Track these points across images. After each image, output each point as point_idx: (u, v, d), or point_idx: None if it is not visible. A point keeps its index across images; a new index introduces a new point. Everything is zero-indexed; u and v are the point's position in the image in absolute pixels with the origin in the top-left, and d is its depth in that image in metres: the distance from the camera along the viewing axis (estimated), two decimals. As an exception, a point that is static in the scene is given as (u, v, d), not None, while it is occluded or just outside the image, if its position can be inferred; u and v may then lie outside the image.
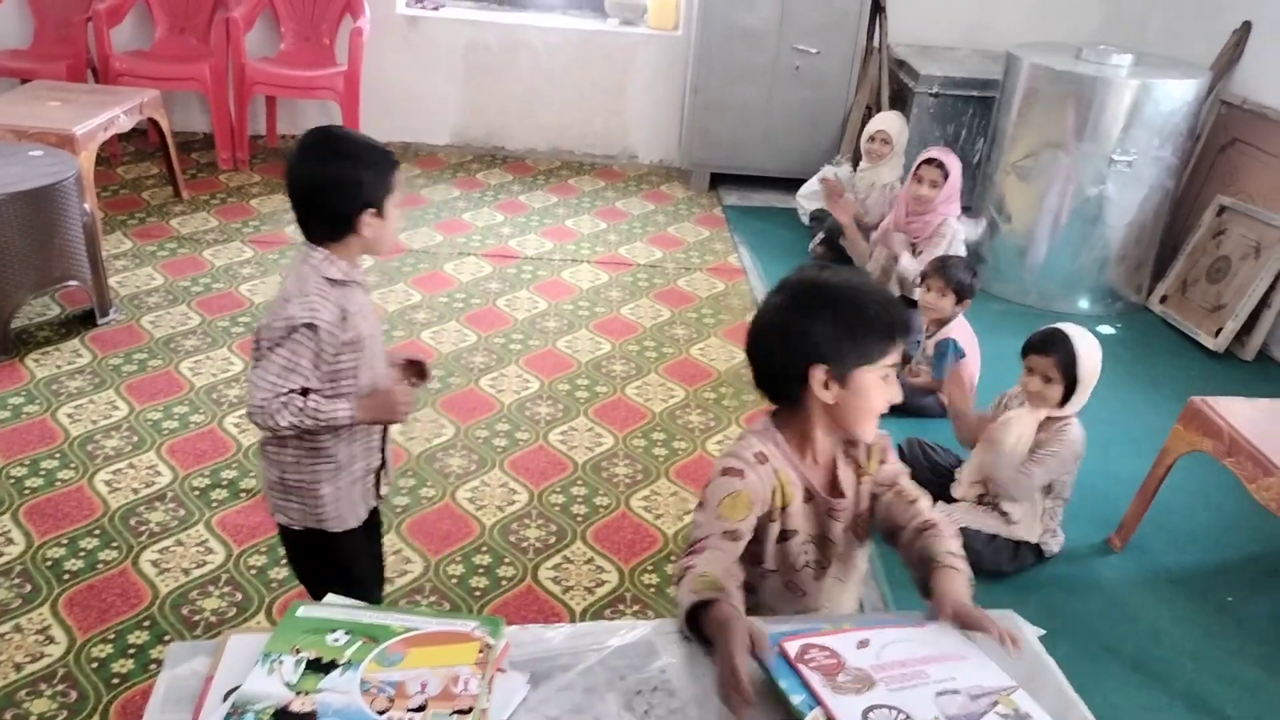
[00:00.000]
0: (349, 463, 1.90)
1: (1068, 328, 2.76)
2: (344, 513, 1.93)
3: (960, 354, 3.51)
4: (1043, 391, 2.73)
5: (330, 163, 1.76)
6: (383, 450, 1.99)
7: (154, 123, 4.65)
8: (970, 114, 5.20)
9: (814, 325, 1.50)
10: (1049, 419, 2.78)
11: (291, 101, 5.64)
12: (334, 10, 5.44)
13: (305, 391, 1.76)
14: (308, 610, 1.25)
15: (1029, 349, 2.77)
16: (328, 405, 1.76)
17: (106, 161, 5.15)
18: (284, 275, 1.88)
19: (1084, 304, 4.61)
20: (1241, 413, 2.76)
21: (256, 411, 1.75)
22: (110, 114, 4.21)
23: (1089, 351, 2.72)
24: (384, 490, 2.04)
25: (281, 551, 2.61)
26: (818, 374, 1.51)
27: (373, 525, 2.07)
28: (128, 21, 5.33)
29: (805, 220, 5.14)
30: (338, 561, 1.98)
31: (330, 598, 1.28)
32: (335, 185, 1.75)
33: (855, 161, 5.23)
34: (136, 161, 5.29)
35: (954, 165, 3.91)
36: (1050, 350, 2.72)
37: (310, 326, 1.73)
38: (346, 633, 1.23)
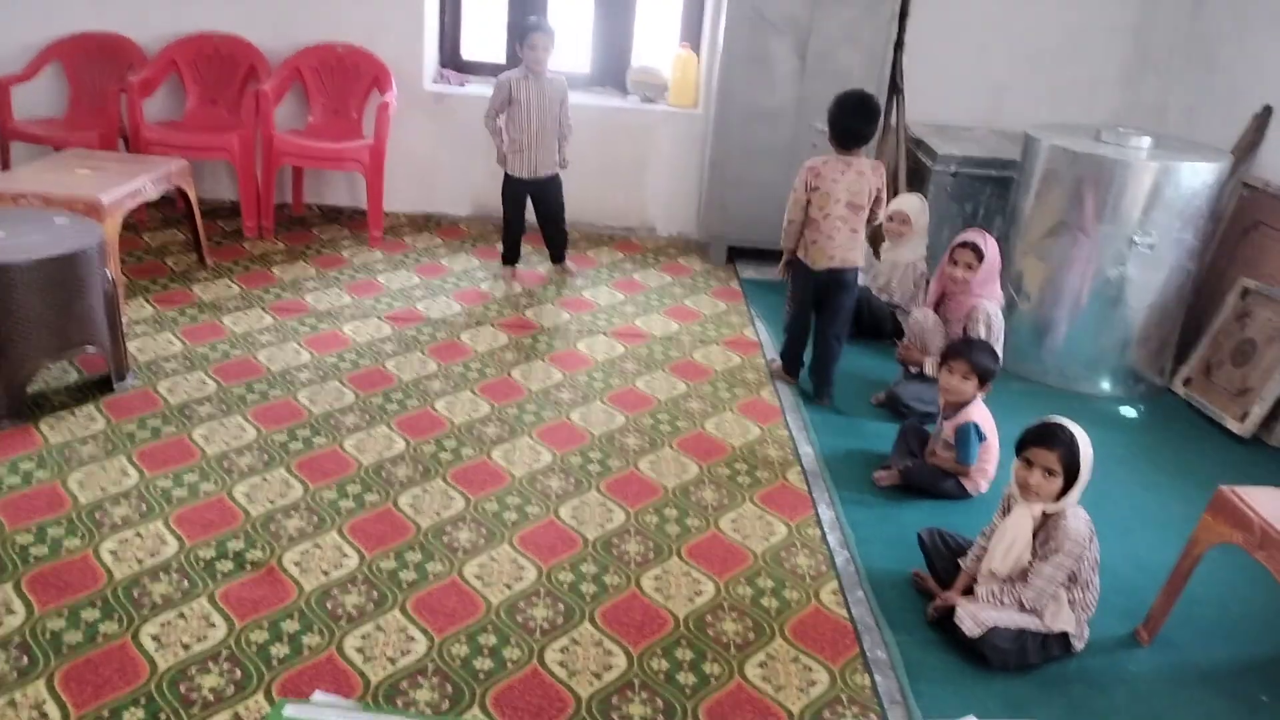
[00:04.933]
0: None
1: (1064, 420, 2.73)
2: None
3: (982, 437, 3.47)
4: (1043, 485, 2.67)
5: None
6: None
7: (181, 191, 4.71)
8: (988, 193, 5.21)
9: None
10: (1045, 514, 2.73)
11: (318, 172, 5.72)
12: (362, 85, 5.54)
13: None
14: (294, 710, 1.20)
15: (1028, 442, 2.72)
16: None
17: (133, 228, 5.23)
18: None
19: (1105, 385, 4.55)
20: (1273, 504, 2.68)
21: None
22: (138, 183, 4.27)
23: (1087, 447, 2.69)
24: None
25: (283, 627, 2.59)
26: None
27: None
28: (160, 92, 5.45)
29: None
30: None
31: (318, 696, 1.23)
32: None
33: (873, 240, 5.24)
34: (163, 228, 5.37)
35: (990, 248, 3.92)
36: (1053, 444, 2.67)
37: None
38: (335, 731, 1.18)
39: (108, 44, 5.44)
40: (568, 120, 4.97)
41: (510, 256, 5.22)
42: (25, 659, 2.43)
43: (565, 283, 5.17)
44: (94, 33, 5.44)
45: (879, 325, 4.74)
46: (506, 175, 4.99)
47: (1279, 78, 4.62)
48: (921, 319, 4.11)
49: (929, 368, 4.02)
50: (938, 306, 4.12)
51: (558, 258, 5.24)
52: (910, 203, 4.78)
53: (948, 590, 2.92)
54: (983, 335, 3.81)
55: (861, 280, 5.15)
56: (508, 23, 5.91)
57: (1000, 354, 3.86)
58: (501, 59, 5.96)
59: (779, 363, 4.38)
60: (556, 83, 4.87)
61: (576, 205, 5.84)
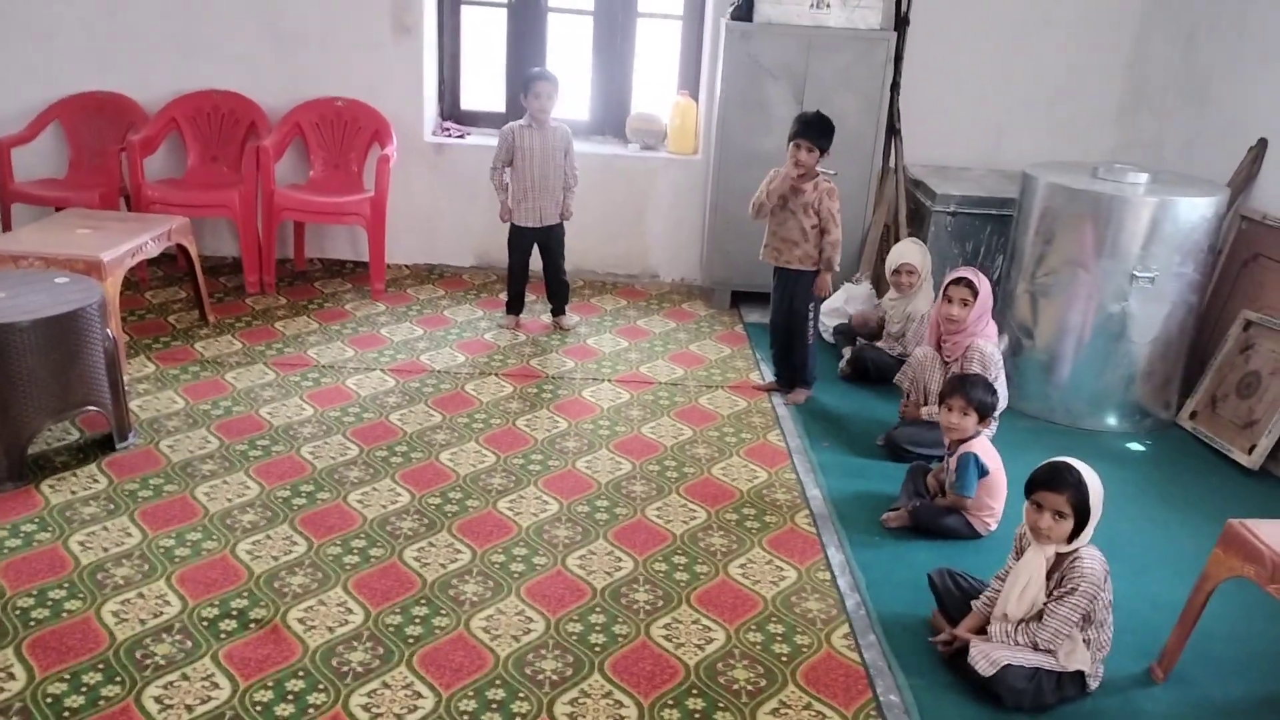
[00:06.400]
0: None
1: (1072, 461, 2.70)
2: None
3: (984, 469, 3.44)
4: (1054, 528, 2.65)
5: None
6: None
7: (183, 248, 4.73)
8: (988, 232, 5.23)
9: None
10: (1058, 555, 2.70)
11: (319, 226, 5.75)
12: (362, 139, 5.59)
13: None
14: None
15: (1036, 485, 2.69)
16: None
17: (135, 286, 5.25)
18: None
19: (1111, 421, 4.52)
20: (1284, 537, 2.65)
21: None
22: (138, 241, 4.29)
23: (1097, 486, 2.66)
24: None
25: (288, 686, 2.55)
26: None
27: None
28: (161, 150, 5.49)
29: (830, 338, 5.13)
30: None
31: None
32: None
33: (876, 280, 5.25)
34: (165, 286, 5.38)
35: (983, 284, 3.90)
36: (1061, 487, 2.64)
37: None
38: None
39: (108, 103, 5.50)
40: (573, 170, 5.00)
41: (514, 306, 5.22)
42: (26, 725, 2.39)
43: (569, 331, 5.18)
44: (94, 92, 5.50)
45: (885, 375, 4.68)
46: (513, 224, 5.02)
47: (1273, 110, 4.65)
48: (921, 355, 4.09)
49: (925, 416, 4.02)
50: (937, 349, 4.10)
51: (557, 310, 5.25)
52: (912, 252, 4.74)
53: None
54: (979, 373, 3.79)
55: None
56: (507, 73, 5.97)
57: (1003, 391, 3.84)
58: (501, 109, 6.02)
59: (774, 380, 4.64)
60: (560, 132, 4.92)
61: (579, 253, 5.87)
